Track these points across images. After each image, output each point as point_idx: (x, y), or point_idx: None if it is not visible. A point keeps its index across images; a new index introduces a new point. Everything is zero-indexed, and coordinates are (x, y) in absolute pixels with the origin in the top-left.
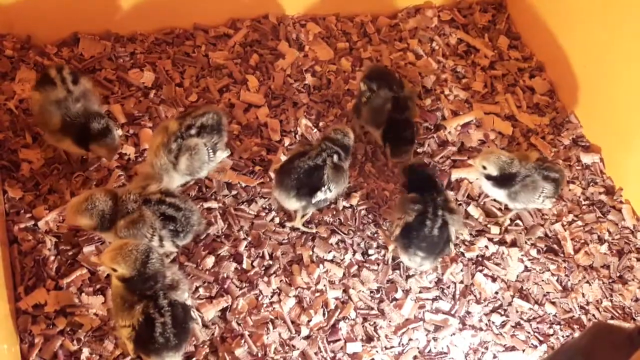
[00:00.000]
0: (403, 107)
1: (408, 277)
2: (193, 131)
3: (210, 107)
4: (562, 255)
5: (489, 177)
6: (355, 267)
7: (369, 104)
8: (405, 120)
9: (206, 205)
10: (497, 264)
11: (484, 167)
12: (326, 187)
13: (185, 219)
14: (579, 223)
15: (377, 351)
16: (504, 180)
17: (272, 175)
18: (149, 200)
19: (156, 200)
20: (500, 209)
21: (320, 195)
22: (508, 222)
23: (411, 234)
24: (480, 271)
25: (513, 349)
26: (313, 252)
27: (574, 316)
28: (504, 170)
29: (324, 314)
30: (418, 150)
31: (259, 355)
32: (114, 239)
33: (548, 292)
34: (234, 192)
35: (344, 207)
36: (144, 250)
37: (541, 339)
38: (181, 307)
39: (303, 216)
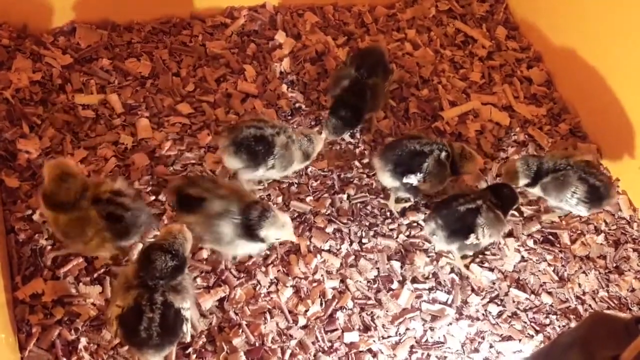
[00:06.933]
0: (358, 91)
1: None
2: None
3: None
4: (558, 245)
5: (529, 185)
6: (353, 257)
7: (336, 73)
8: (353, 105)
9: None
10: (494, 254)
11: (520, 186)
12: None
13: (132, 218)
14: None
15: (374, 341)
16: (537, 177)
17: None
18: (99, 199)
19: (106, 199)
20: None
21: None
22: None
23: (443, 201)
24: (478, 261)
25: (509, 338)
26: (310, 242)
27: (570, 306)
28: (529, 173)
29: (321, 304)
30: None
31: (257, 344)
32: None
33: (545, 282)
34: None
35: (341, 197)
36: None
37: (537, 328)
38: (174, 311)
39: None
